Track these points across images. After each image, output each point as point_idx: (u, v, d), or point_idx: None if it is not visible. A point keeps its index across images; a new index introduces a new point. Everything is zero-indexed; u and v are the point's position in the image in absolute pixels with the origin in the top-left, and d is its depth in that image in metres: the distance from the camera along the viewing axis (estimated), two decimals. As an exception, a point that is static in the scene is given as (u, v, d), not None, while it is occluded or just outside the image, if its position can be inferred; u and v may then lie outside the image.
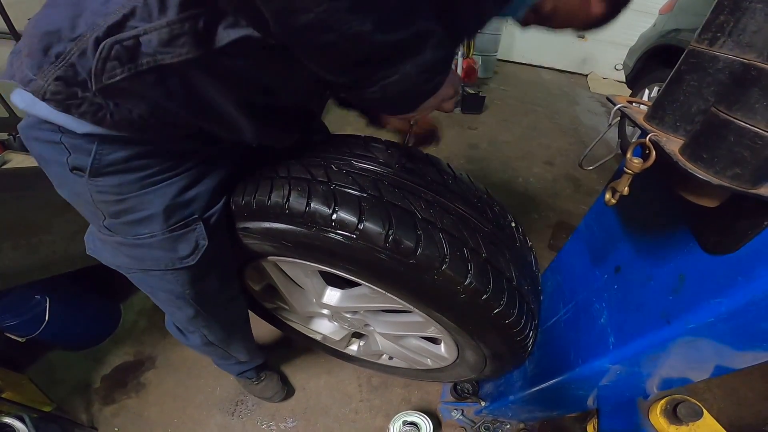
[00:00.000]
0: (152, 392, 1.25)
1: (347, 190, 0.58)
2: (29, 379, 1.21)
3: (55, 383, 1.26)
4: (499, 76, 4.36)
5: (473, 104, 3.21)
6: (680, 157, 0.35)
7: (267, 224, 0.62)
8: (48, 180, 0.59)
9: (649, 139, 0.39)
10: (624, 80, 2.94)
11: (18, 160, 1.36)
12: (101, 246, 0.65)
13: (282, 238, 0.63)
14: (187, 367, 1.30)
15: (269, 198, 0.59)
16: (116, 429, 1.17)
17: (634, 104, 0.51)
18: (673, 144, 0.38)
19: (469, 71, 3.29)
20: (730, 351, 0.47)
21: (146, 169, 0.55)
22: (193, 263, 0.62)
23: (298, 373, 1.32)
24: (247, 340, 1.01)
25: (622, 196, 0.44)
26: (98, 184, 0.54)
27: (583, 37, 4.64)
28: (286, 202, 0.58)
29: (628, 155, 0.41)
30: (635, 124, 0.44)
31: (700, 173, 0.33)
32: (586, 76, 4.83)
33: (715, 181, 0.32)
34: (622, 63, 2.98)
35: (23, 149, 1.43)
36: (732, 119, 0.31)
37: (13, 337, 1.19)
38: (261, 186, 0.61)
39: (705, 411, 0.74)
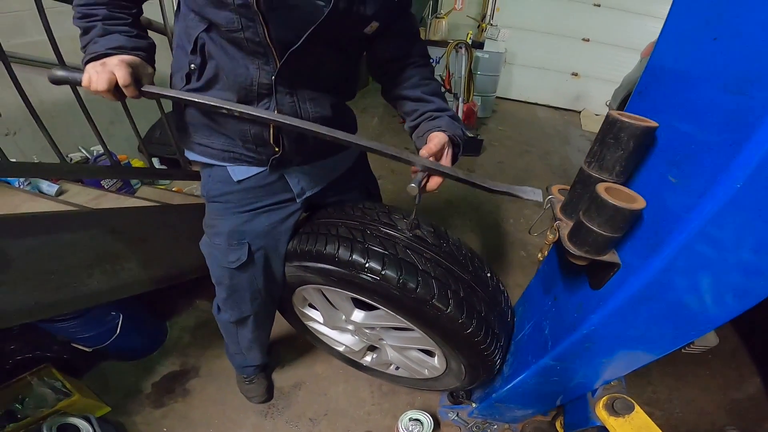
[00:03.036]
0: (196, 397, 1.42)
1: (375, 248, 0.89)
2: (86, 386, 1.36)
3: (108, 389, 1.41)
4: (497, 114, 4.46)
5: (471, 147, 3.28)
6: (564, 238, 0.64)
7: (321, 265, 0.93)
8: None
9: (555, 225, 0.68)
10: (612, 119, 3.09)
11: (74, 191, 1.47)
12: (203, 242, 1.02)
13: (330, 275, 0.93)
14: (226, 375, 1.47)
15: (325, 249, 0.90)
16: (165, 429, 1.32)
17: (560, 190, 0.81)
18: (567, 229, 0.67)
19: (469, 114, 3.39)
20: (615, 356, 0.75)
21: (227, 203, 0.92)
22: (234, 267, 0.96)
23: (320, 381, 1.53)
24: (256, 338, 1.22)
25: (557, 252, 0.74)
26: (208, 207, 0.97)
27: (576, 74, 4.71)
28: (336, 253, 0.88)
29: (548, 232, 0.71)
30: (553, 214, 0.74)
31: (571, 248, 0.62)
32: (579, 112, 4.85)
33: (577, 252, 0.61)
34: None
35: (76, 180, 1.57)
36: (583, 222, 0.61)
37: (79, 347, 1.36)
38: (319, 240, 0.92)
39: (636, 405, 0.90)
